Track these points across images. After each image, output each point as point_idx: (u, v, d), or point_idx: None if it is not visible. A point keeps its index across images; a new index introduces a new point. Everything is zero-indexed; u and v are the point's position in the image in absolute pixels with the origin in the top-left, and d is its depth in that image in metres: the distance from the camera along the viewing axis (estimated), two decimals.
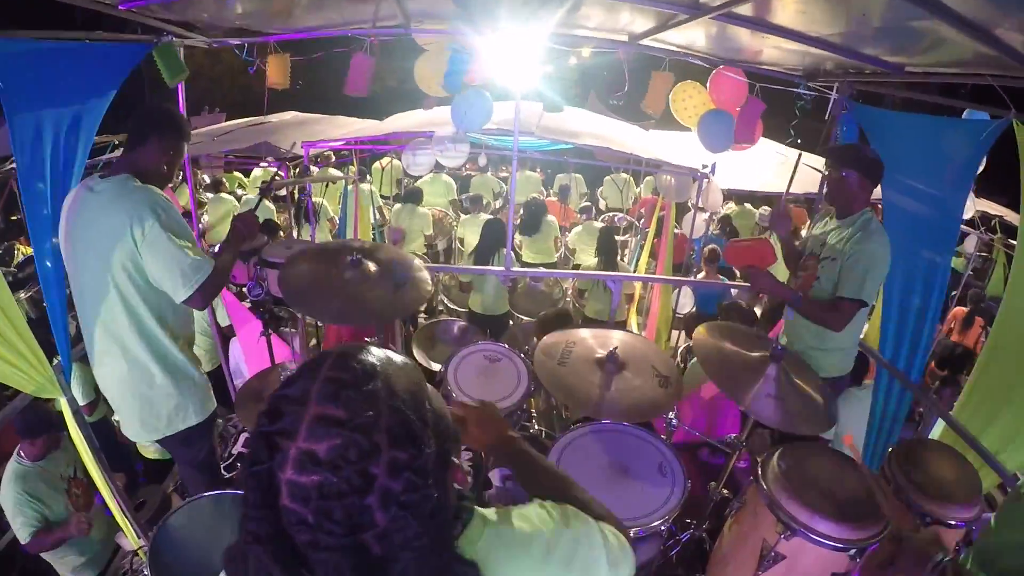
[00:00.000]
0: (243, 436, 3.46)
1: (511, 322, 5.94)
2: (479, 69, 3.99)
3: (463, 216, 8.38)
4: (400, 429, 0.81)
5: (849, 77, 3.74)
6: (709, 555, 2.66)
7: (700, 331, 2.72)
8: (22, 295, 5.72)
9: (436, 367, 4.13)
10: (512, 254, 4.84)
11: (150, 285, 2.42)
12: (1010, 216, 7.70)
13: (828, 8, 2.70)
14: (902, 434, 3.52)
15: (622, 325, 5.93)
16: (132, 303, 2.44)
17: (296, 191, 7.32)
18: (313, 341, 4.68)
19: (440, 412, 0.91)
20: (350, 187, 6.50)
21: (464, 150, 6.14)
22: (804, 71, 3.99)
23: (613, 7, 3.34)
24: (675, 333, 5.94)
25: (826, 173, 3.16)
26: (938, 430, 3.29)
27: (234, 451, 3.33)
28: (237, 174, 11.01)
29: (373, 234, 7.38)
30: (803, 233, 8.37)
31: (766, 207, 9.41)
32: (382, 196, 9.28)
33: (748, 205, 9.54)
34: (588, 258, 6.80)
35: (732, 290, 5.93)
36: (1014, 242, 7.64)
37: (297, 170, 8.37)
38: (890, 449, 2.53)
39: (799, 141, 4.53)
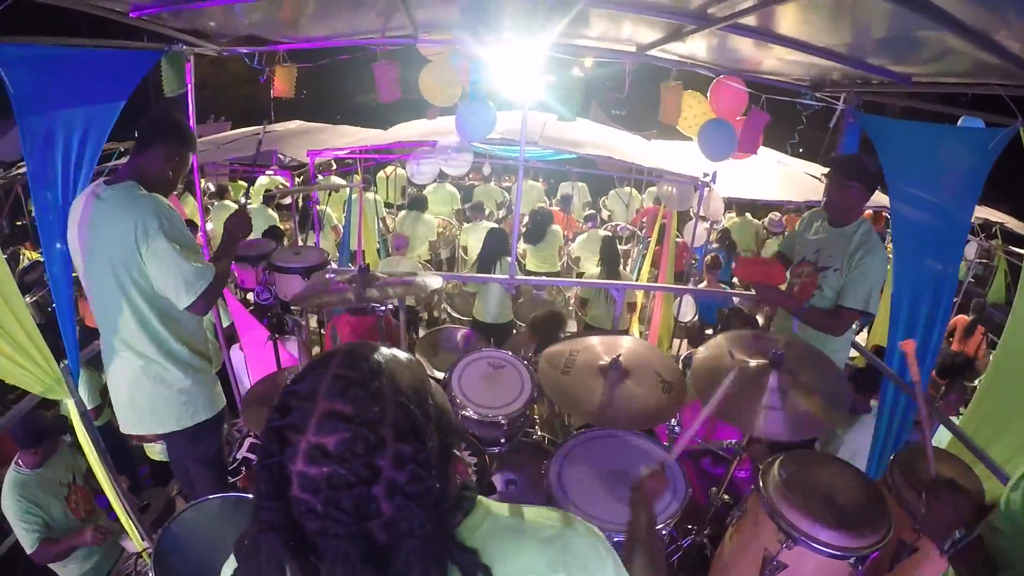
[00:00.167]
0: (248, 441, 3.47)
1: (515, 331, 5.96)
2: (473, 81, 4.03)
3: (466, 224, 8.41)
4: (405, 424, 0.85)
5: (856, 87, 3.75)
6: (710, 561, 2.66)
7: (694, 370, 2.65)
8: (27, 299, 5.73)
9: (439, 375, 4.15)
10: (516, 263, 4.86)
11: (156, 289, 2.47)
12: (1011, 223, 7.71)
13: (834, 19, 2.71)
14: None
15: (624, 334, 5.94)
16: (140, 306, 2.49)
17: (300, 199, 7.35)
18: (316, 348, 4.70)
19: (442, 407, 0.95)
20: (354, 196, 6.54)
21: (467, 159, 6.18)
22: (811, 82, 4.00)
23: (620, 18, 3.36)
24: (676, 341, 5.95)
25: (827, 182, 3.21)
26: (943, 439, 3.29)
27: (238, 455, 3.35)
28: (241, 183, 11.06)
29: (377, 243, 7.41)
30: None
31: (776, 213, 9.42)
32: (386, 204, 9.32)
33: (749, 215, 9.55)
34: (592, 267, 6.82)
35: (734, 299, 5.94)
36: (1016, 249, 7.70)
37: (302, 178, 8.41)
38: (892, 457, 2.53)
39: (801, 150, 4.55)
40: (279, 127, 8.50)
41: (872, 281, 3.05)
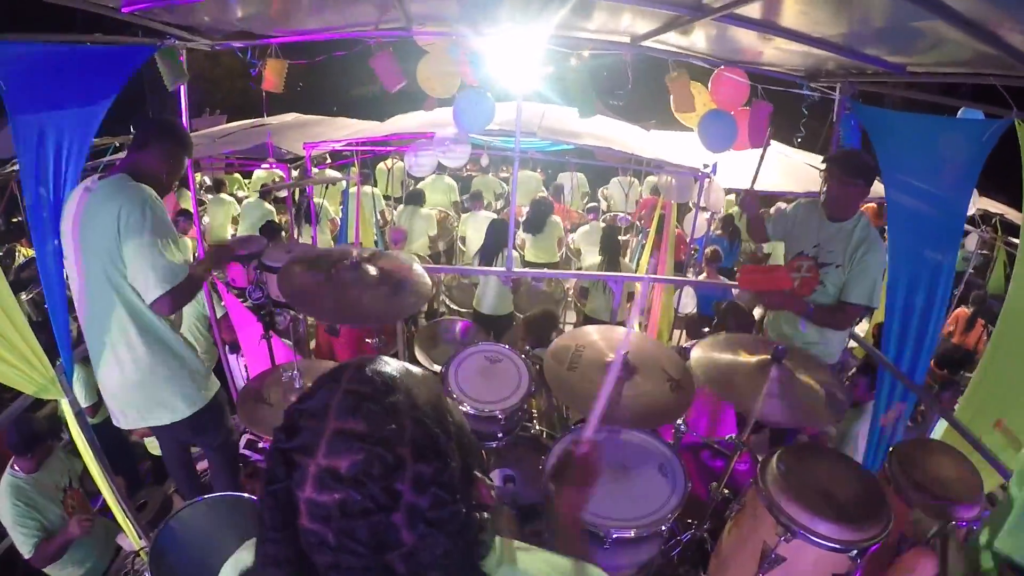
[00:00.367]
0: (244, 437, 3.47)
1: (515, 323, 5.95)
2: (474, 70, 4.01)
3: (464, 215, 8.39)
4: (424, 442, 0.78)
5: (851, 77, 3.74)
6: (710, 555, 2.65)
7: (696, 352, 2.68)
8: (23, 297, 5.73)
9: (437, 368, 4.14)
10: (515, 254, 4.83)
11: None
12: (1011, 214, 7.71)
13: (830, 9, 2.70)
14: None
15: (623, 325, 5.93)
16: (128, 294, 2.49)
17: (296, 192, 7.33)
18: (313, 343, 4.70)
19: (461, 425, 0.88)
20: (352, 189, 6.51)
21: (465, 151, 6.15)
22: (806, 72, 3.99)
23: (616, 9, 3.34)
24: (676, 332, 5.94)
25: (827, 178, 3.22)
26: (940, 430, 3.29)
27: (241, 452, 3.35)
28: (236, 175, 11.03)
29: (375, 236, 7.39)
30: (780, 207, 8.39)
31: (783, 203, 9.38)
32: (386, 197, 9.30)
33: None
34: (593, 258, 6.81)
35: (733, 290, 5.93)
36: (1014, 240, 7.70)
37: (298, 171, 8.39)
38: (890, 449, 2.53)
39: (799, 140, 4.53)
40: (275, 120, 8.47)
41: (875, 275, 3.13)
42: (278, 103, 4.95)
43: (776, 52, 3.67)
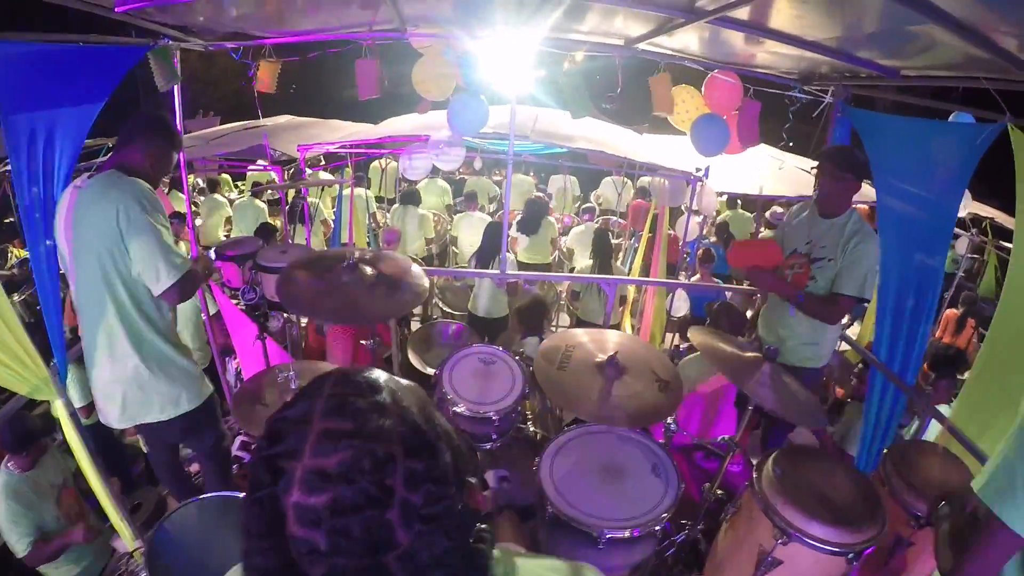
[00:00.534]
0: (238, 439, 3.45)
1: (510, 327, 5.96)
2: (463, 74, 4.01)
3: (456, 215, 8.38)
4: (414, 439, 0.75)
5: (844, 81, 3.76)
6: (704, 556, 2.66)
7: (696, 332, 2.74)
8: (16, 298, 5.70)
9: (430, 371, 4.14)
10: (510, 257, 4.83)
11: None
12: (1001, 218, 7.76)
13: (824, 12, 2.70)
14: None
15: (616, 328, 5.94)
16: (120, 294, 2.50)
17: (290, 193, 7.32)
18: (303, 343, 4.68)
19: (449, 431, 0.85)
20: (345, 191, 6.51)
21: (460, 153, 6.15)
22: (799, 75, 4.00)
23: (609, 11, 3.35)
24: (668, 335, 5.95)
25: (818, 174, 3.24)
26: (933, 432, 3.31)
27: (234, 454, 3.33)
28: (225, 176, 10.99)
29: (368, 237, 7.37)
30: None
31: (778, 207, 9.41)
32: (378, 198, 9.28)
33: (741, 209, 9.55)
34: (585, 260, 6.81)
35: (726, 292, 5.95)
36: (1006, 244, 7.76)
37: (291, 171, 8.38)
38: (885, 451, 2.54)
39: (791, 144, 4.55)
40: (268, 122, 8.45)
41: (867, 267, 3.13)
42: (272, 104, 4.94)
43: (770, 55, 3.68)
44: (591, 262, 6.15)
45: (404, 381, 0.86)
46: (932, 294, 3.16)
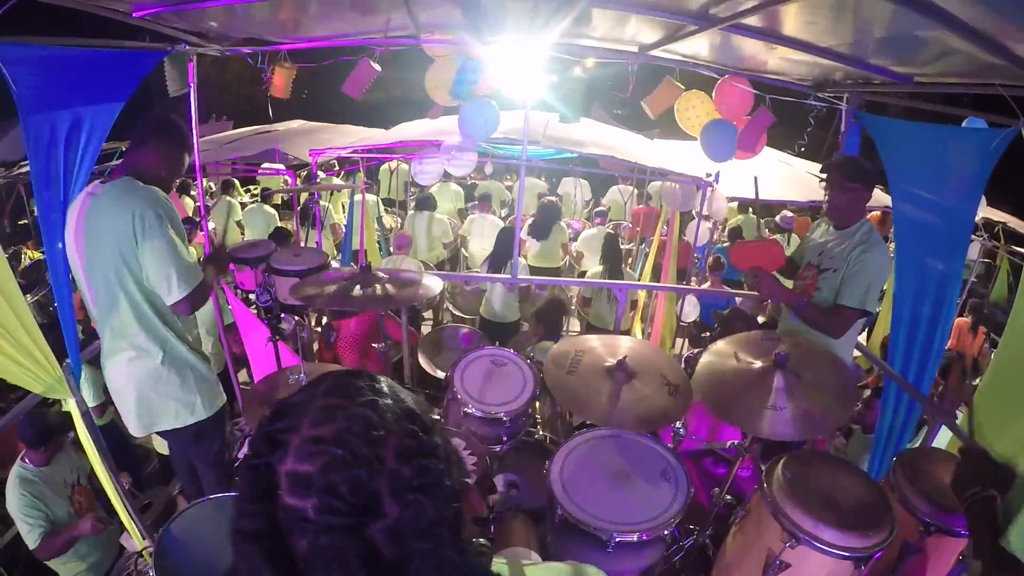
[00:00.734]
0: (248, 440, 3.47)
1: (521, 330, 5.96)
2: (488, 79, 4.03)
3: (469, 216, 8.38)
4: (409, 420, 0.77)
5: (858, 88, 3.75)
6: (712, 561, 2.66)
7: (697, 373, 2.65)
8: (29, 299, 5.75)
9: (441, 374, 4.15)
10: (522, 261, 4.83)
11: None
12: (1014, 223, 7.72)
13: (836, 19, 2.70)
14: None
15: (626, 333, 5.94)
16: (136, 298, 2.49)
17: (300, 197, 7.35)
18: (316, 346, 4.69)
19: (446, 437, 0.85)
20: (357, 196, 6.54)
21: (472, 159, 6.17)
22: (813, 82, 3.99)
23: (622, 18, 3.36)
24: (679, 341, 5.94)
25: (827, 186, 3.20)
26: (944, 439, 3.28)
27: (240, 455, 3.35)
28: (235, 181, 11.04)
29: (379, 242, 7.40)
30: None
31: (787, 211, 9.37)
32: (388, 201, 9.30)
33: (752, 214, 9.51)
34: (593, 265, 6.81)
35: (737, 298, 5.93)
36: (1018, 248, 7.69)
37: (304, 176, 8.42)
38: (895, 458, 2.53)
39: (803, 149, 4.54)
40: (281, 126, 8.51)
41: (870, 278, 2.99)
42: (284, 109, 4.99)
43: (783, 62, 3.68)
44: (601, 267, 6.15)
45: (400, 387, 0.86)
46: (949, 302, 3.13)
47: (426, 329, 6.42)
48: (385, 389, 0.80)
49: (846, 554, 1.98)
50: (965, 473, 2.02)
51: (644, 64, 4.09)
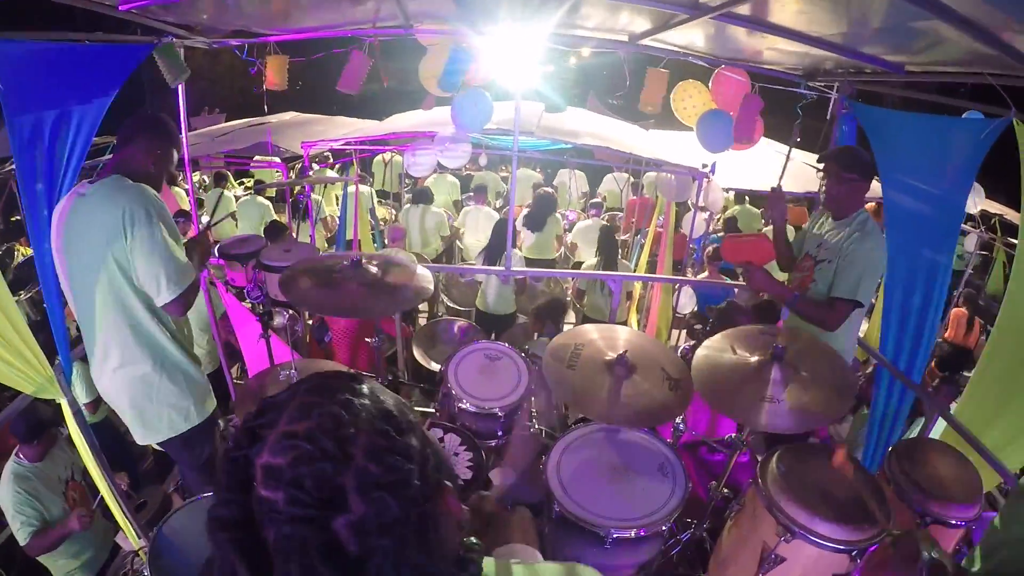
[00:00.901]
0: (232, 434, 3.46)
1: (517, 322, 5.95)
2: (480, 69, 4.00)
3: (465, 207, 8.35)
4: (383, 420, 0.79)
5: (849, 77, 3.74)
6: (709, 555, 2.65)
7: (693, 367, 2.63)
8: (21, 296, 5.72)
9: (436, 367, 4.14)
10: (516, 253, 4.81)
11: None
12: (1010, 215, 7.71)
13: (828, 8, 2.69)
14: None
15: (622, 324, 5.93)
16: (128, 302, 2.44)
17: (292, 189, 7.32)
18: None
19: (427, 435, 0.86)
20: (350, 188, 6.50)
21: (466, 150, 6.14)
22: (804, 71, 3.98)
23: (613, 7, 3.33)
24: (675, 332, 5.94)
25: (824, 176, 3.19)
26: (939, 429, 3.29)
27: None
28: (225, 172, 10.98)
29: (373, 234, 7.37)
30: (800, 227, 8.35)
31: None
32: (382, 192, 9.26)
33: (749, 205, 9.52)
34: (589, 256, 6.79)
35: (734, 290, 5.93)
36: (1014, 240, 7.69)
37: (297, 168, 8.39)
38: (890, 449, 2.53)
39: (798, 140, 4.52)
40: (273, 119, 8.46)
41: (861, 269, 2.96)
42: (277, 101, 4.95)
43: (774, 51, 3.66)
44: (597, 259, 6.14)
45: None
46: (940, 291, 3.14)
47: (422, 321, 6.40)
48: (365, 390, 0.83)
49: (841, 547, 1.98)
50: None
51: (640, 56, 4.07)
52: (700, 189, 5.73)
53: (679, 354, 4.37)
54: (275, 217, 7.84)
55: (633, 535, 2.17)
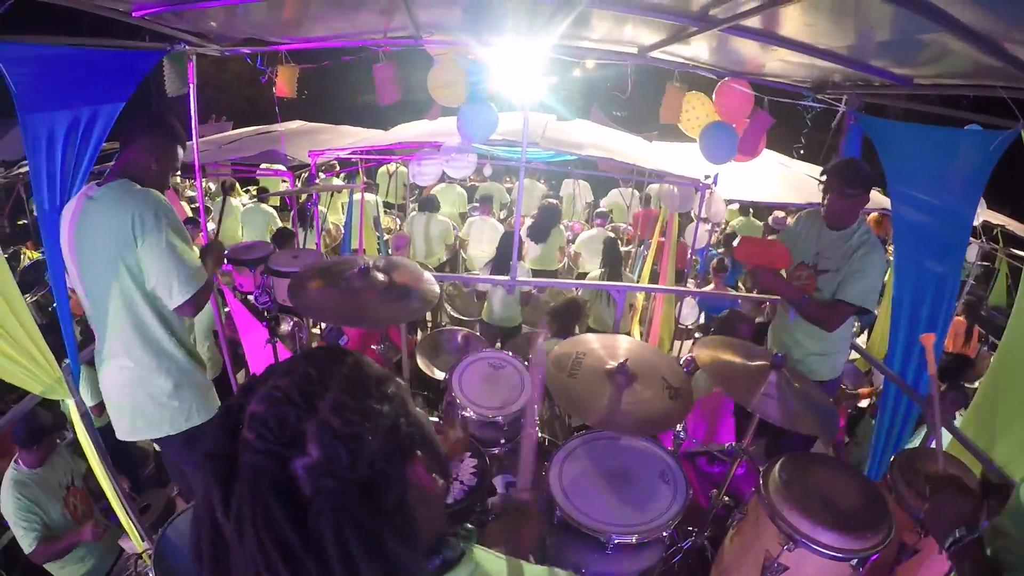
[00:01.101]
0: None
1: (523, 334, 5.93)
2: (488, 80, 4.03)
3: (470, 218, 8.36)
4: (356, 385, 0.87)
5: (857, 89, 3.75)
6: (711, 563, 2.66)
7: (701, 347, 2.74)
8: (28, 299, 5.74)
9: (440, 375, 4.15)
10: (521, 264, 4.81)
11: None
12: (1013, 226, 7.72)
13: (836, 21, 2.70)
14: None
15: (625, 335, 5.93)
16: (137, 305, 2.47)
17: (298, 198, 7.34)
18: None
19: (410, 411, 0.93)
20: (356, 196, 6.52)
21: (472, 160, 6.16)
22: (812, 83, 3.99)
23: (621, 19, 3.36)
24: (677, 343, 5.94)
25: (826, 189, 3.22)
26: (944, 441, 3.29)
27: None
28: (232, 180, 11.01)
29: (378, 244, 7.38)
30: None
31: (780, 212, 9.37)
32: (386, 203, 9.27)
33: (752, 217, 9.52)
34: (592, 266, 6.80)
35: (739, 301, 5.94)
36: (1017, 251, 7.69)
37: (303, 176, 8.41)
38: (892, 458, 2.53)
39: (802, 151, 4.54)
40: (281, 127, 8.50)
41: (872, 279, 3.07)
42: (284, 110, 4.99)
43: (782, 64, 3.68)
44: (601, 270, 6.14)
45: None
46: (947, 303, 3.14)
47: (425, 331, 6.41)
48: (349, 361, 0.91)
49: (843, 555, 1.99)
50: (939, 513, 1.70)
51: (645, 66, 4.09)
52: (703, 200, 5.75)
53: (683, 362, 4.38)
54: (281, 224, 7.86)
55: (634, 541, 2.18)
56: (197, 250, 2.66)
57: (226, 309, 4.43)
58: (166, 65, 3.37)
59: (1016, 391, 2.83)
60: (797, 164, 7.29)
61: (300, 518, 0.76)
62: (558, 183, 11.36)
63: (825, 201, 3.23)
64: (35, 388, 2.55)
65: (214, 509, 0.79)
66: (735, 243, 3.28)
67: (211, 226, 8.11)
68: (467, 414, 2.79)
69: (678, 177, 5.90)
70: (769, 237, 8.32)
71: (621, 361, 2.53)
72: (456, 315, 6.38)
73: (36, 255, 7.12)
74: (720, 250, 8.13)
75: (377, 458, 0.82)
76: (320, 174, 7.29)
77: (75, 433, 2.87)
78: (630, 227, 8.85)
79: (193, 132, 3.94)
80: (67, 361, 2.76)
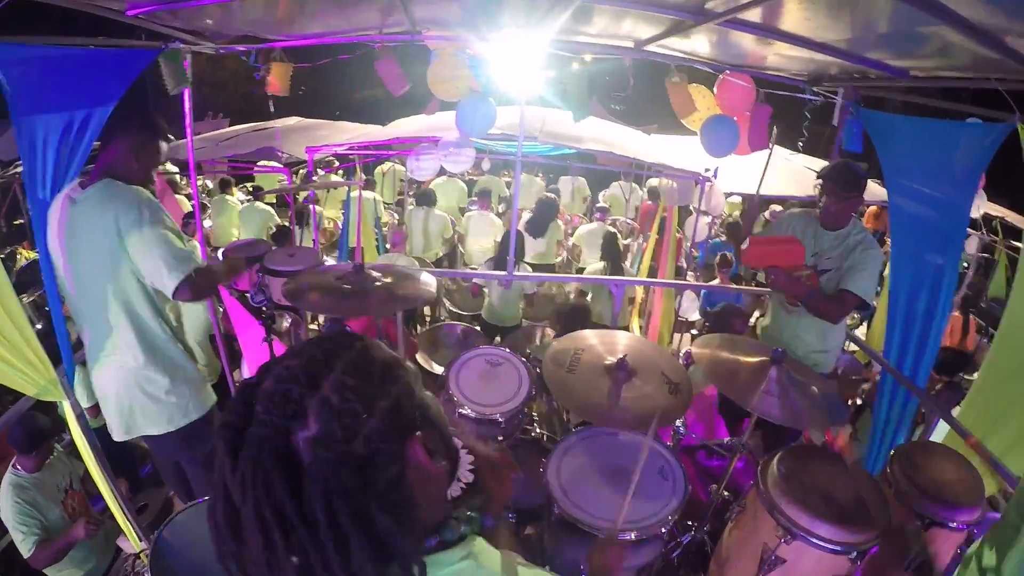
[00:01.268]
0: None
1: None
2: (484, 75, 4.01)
3: (468, 212, 8.35)
4: (361, 368, 0.91)
5: (854, 82, 3.74)
6: (710, 557, 2.66)
7: (698, 345, 2.74)
8: (25, 299, 5.73)
9: (439, 370, 4.14)
10: (520, 260, 4.78)
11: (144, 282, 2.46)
12: (1012, 217, 7.71)
13: (834, 14, 2.69)
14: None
15: (624, 329, 5.92)
16: (134, 303, 2.48)
17: (299, 196, 7.33)
18: None
19: (415, 395, 0.97)
20: (353, 192, 6.51)
21: (470, 155, 6.15)
22: (808, 76, 3.99)
23: (618, 13, 3.34)
24: (676, 336, 5.93)
25: (822, 191, 3.29)
26: (940, 434, 3.28)
27: None
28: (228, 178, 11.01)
29: (377, 242, 7.37)
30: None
31: (777, 205, 9.36)
32: (384, 203, 9.27)
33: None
34: (592, 260, 6.78)
35: (742, 295, 5.93)
36: (1016, 243, 7.68)
37: (301, 173, 8.40)
38: (892, 452, 2.53)
39: (801, 144, 4.53)
40: (277, 123, 8.49)
41: (873, 272, 3.16)
42: (281, 106, 4.97)
43: (779, 57, 3.67)
44: (601, 264, 6.13)
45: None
46: (945, 296, 3.15)
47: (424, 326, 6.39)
48: (357, 345, 0.95)
49: (841, 549, 1.98)
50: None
51: (643, 60, 4.07)
52: (702, 193, 5.74)
53: (682, 356, 4.37)
54: (279, 222, 7.85)
55: (633, 537, 2.18)
56: (196, 245, 2.66)
57: (221, 309, 4.42)
58: (163, 64, 3.34)
59: (1012, 382, 2.83)
60: (797, 157, 7.29)
61: (298, 487, 0.81)
62: (556, 177, 11.34)
63: (821, 203, 3.30)
64: (29, 390, 2.55)
65: (225, 475, 0.85)
66: (744, 246, 3.23)
67: (208, 223, 8.12)
68: (465, 412, 2.77)
69: (677, 170, 5.88)
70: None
71: (620, 356, 2.52)
72: (455, 310, 6.38)
73: (33, 255, 7.08)
74: (722, 238, 8.12)
75: (374, 436, 0.86)
76: (318, 171, 7.26)
77: (71, 435, 2.86)
78: (628, 221, 8.83)
79: (188, 130, 3.93)
80: (62, 364, 2.75)
